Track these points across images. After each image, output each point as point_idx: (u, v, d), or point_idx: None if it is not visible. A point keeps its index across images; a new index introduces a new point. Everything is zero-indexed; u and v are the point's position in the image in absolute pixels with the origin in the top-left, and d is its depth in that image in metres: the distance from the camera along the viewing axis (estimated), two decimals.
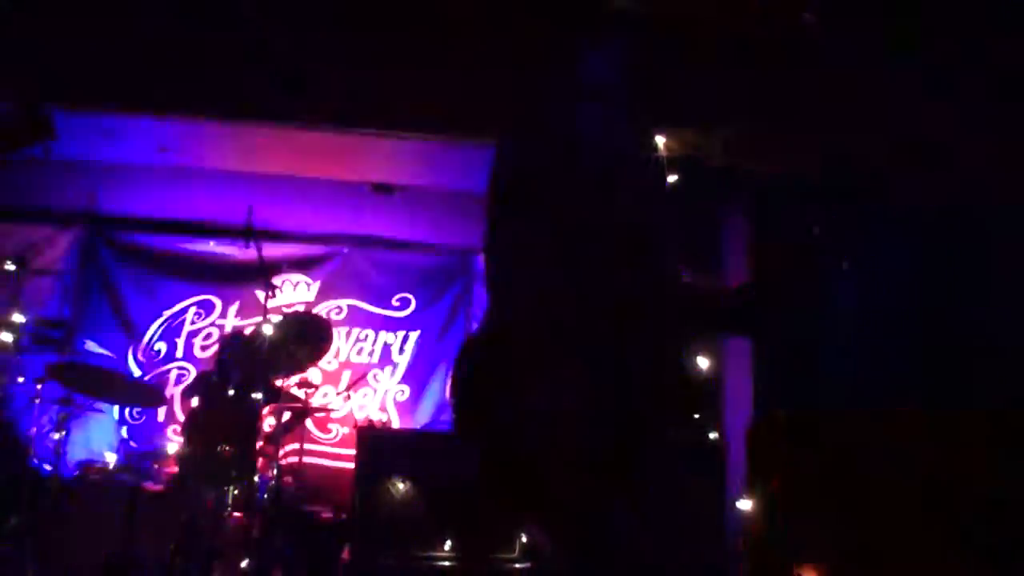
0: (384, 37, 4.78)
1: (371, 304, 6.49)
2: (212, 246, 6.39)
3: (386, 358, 6.41)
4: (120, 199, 6.22)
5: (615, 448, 1.94)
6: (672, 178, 2.64)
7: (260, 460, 4.67)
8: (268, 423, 5.20)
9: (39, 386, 4.75)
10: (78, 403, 4.82)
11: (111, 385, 4.87)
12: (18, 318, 5.04)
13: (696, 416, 3.95)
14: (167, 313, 6.31)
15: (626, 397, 1.93)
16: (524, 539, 4.25)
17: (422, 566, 4.20)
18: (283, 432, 5.10)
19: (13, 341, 4.92)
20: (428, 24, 4.60)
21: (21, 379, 4.88)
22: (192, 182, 6.07)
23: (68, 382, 4.72)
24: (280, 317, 5.29)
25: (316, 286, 6.47)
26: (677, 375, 2.14)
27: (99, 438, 5.28)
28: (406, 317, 6.46)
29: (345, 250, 6.53)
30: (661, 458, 2.02)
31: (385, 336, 6.44)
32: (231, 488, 4.47)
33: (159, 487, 4.52)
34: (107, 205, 6.23)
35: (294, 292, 6.45)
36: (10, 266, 5.25)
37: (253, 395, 4.97)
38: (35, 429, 4.68)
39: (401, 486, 4.41)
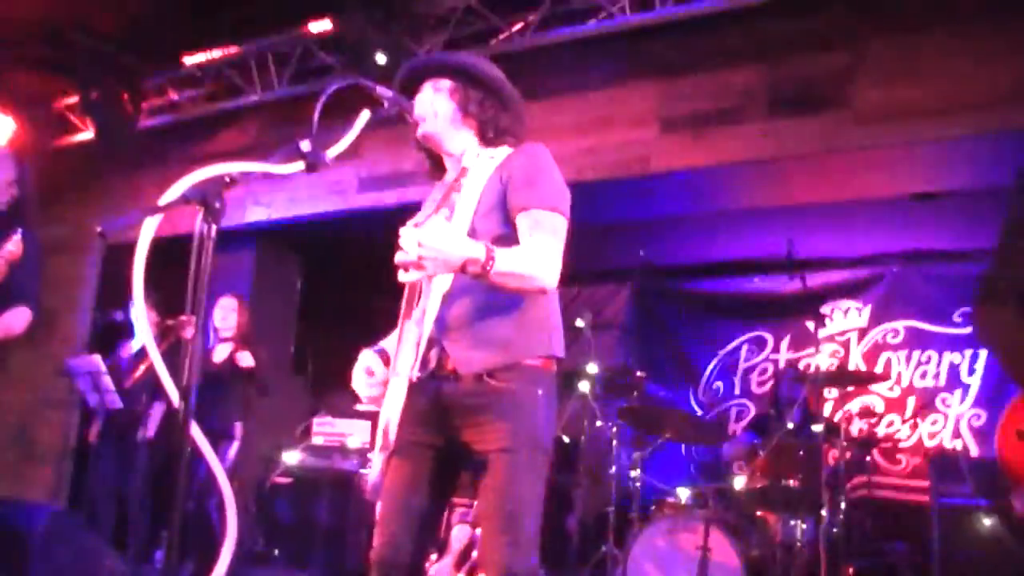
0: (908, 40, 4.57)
1: (930, 323, 6.02)
2: (757, 282, 6.50)
3: (954, 380, 5.86)
4: (666, 250, 6.65)
5: None
6: None
7: (826, 494, 4.55)
8: (832, 455, 5.06)
9: (615, 428, 5.26)
10: (649, 442, 5.21)
11: (676, 424, 5.17)
12: (592, 368, 5.59)
13: None
14: (721, 352, 6.55)
15: None
16: None
17: None
18: (848, 464, 4.93)
19: (590, 390, 5.46)
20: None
21: (599, 423, 5.39)
22: (730, 223, 6.23)
23: (639, 424, 5.13)
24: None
25: (867, 310, 6.21)
26: None
27: (671, 474, 5.61)
28: (972, 334, 5.87)
29: (895, 269, 6.18)
30: None
31: (950, 356, 5.91)
32: (799, 522, 4.43)
33: (731, 521, 4.64)
34: (656, 257, 6.70)
35: (845, 319, 6.26)
36: (580, 323, 5.86)
37: (813, 427, 4.91)
38: (614, 468, 5.15)
39: (986, 520, 3.99)
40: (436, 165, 2.59)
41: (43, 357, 6.68)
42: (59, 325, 7.31)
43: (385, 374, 2.38)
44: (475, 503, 2.40)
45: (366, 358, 2.41)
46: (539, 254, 2.24)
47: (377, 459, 2.26)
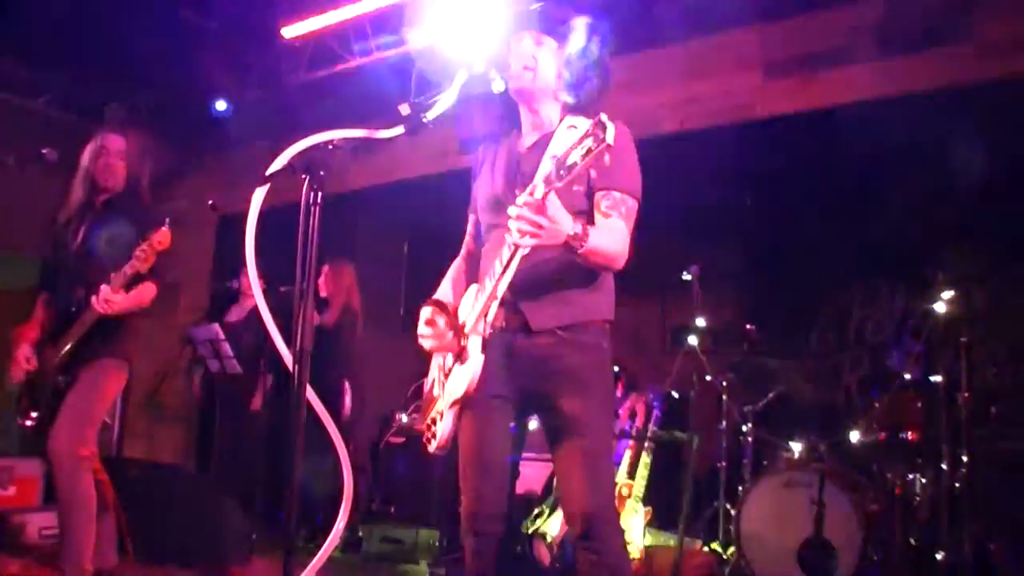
0: None
1: None
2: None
3: None
4: (773, 197, 6.45)
5: None
6: None
7: (947, 447, 4.39)
8: (953, 406, 4.87)
9: (725, 382, 5.16)
10: (760, 395, 5.10)
11: (788, 377, 5.08)
12: (700, 322, 5.47)
13: None
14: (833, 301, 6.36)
15: None
16: None
17: None
18: (971, 415, 4.74)
19: (699, 343, 5.36)
20: None
21: (709, 377, 5.30)
22: None
23: (750, 377, 5.05)
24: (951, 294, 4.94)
25: None
26: None
27: (783, 427, 5.48)
28: None
29: None
30: None
31: None
32: (919, 476, 4.30)
33: (847, 475, 4.53)
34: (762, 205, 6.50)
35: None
36: (688, 276, 5.72)
37: (932, 377, 4.74)
38: (725, 422, 5.07)
39: None
40: (515, 122, 2.59)
41: (168, 327, 7.00)
42: (181, 296, 7.63)
43: (446, 324, 2.46)
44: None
45: (426, 312, 2.49)
46: (617, 237, 2.32)
47: (447, 415, 2.41)
